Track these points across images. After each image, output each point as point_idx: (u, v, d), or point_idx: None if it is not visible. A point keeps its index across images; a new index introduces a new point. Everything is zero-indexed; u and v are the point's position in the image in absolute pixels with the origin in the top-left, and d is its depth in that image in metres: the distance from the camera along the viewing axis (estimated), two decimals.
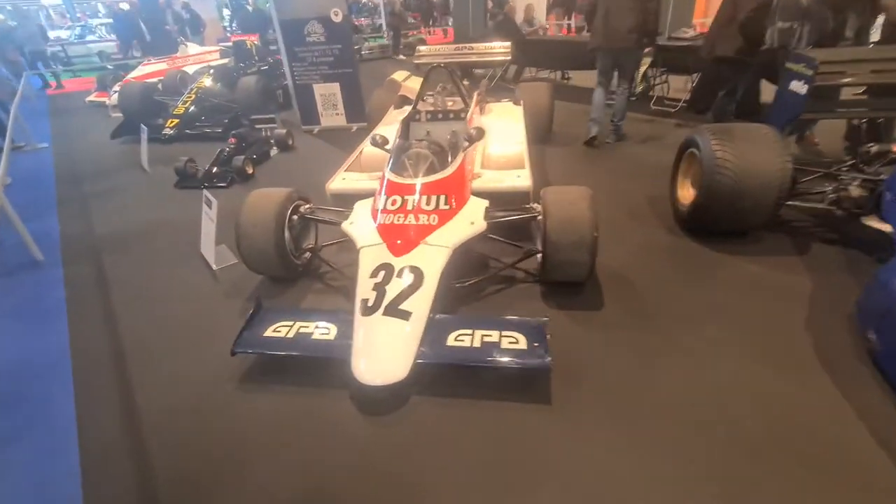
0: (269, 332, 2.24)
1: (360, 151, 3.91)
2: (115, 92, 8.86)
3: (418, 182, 2.68)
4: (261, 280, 3.00)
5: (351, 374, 1.99)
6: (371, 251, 2.45)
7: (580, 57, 7.09)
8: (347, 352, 2.08)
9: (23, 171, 5.69)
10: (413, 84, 4.76)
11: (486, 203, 2.80)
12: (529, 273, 2.86)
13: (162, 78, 9.47)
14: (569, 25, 12.57)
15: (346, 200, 3.26)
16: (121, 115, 7.91)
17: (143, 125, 5.34)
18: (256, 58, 8.33)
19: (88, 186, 5.05)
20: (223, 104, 6.92)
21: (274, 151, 5.66)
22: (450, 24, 19.20)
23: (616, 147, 5.28)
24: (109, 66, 14.31)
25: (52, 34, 18.75)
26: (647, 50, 5.23)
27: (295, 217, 2.89)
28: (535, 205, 2.74)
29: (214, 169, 4.81)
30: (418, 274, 2.29)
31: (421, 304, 2.18)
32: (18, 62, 11.90)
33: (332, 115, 6.41)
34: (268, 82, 7.01)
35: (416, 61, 5.65)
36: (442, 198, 2.63)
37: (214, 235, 3.14)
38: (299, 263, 2.95)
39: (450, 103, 4.08)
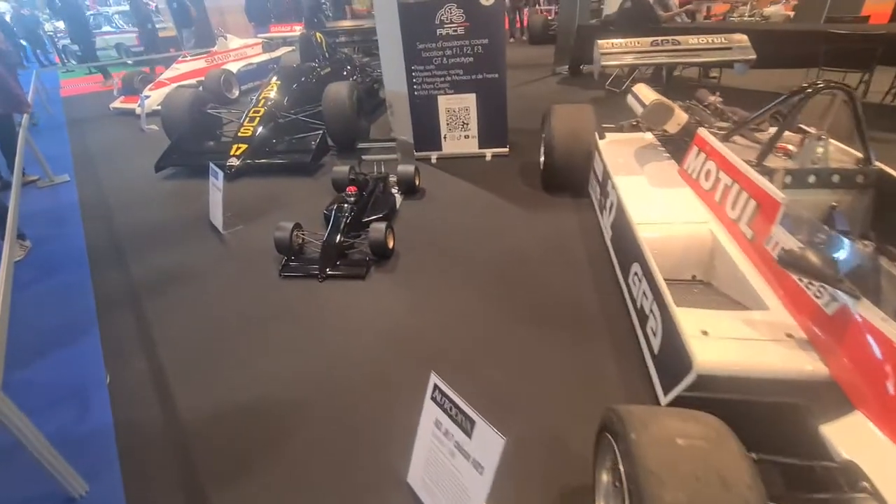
0: None
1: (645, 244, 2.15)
2: (146, 97, 7.12)
3: None
4: None
5: None
6: None
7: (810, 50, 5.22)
8: None
9: (39, 229, 3.90)
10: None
11: None
12: None
13: (202, 79, 7.73)
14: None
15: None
16: (156, 127, 6.19)
17: (214, 167, 3.45)
18: (326, 54, 6.47)
19: (139, 270, 3.23)
20: (301, 121, 5.11)
21: (398, 200, 3.87)
22: None
23: None
24: (129, 62, 12.58)
25: (60, 24, 16.98)
26: None
27: None
28: None
29: (338, 238, 3.03)
30: None
31: None
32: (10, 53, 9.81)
33: (460, 139, 4.60)
34: (361, 91, 5.18)
35: (605, 62, 3.85)
36: None
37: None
38: None
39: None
